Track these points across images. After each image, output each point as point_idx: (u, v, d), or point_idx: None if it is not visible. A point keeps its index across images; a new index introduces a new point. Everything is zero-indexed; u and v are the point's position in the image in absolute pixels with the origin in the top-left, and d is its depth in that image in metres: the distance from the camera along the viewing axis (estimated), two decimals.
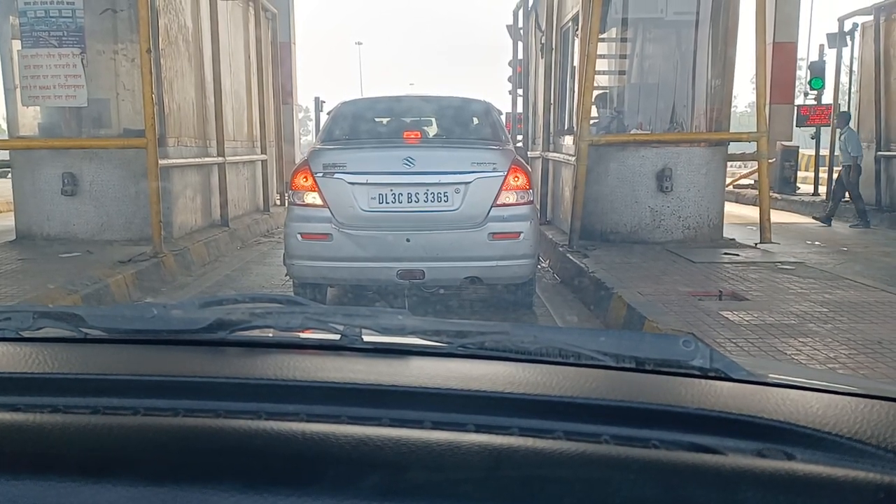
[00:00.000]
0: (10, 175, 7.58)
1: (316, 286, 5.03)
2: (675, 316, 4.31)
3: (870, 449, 0.68)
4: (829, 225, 10.46)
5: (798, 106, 14.36)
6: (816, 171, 14.24)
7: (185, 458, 0.64)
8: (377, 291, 5.25)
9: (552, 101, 9.14)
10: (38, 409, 0.74)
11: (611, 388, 0.84)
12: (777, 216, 9.05)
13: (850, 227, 10.24)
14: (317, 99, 16.32)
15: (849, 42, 12.15)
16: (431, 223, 4.63)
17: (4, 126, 8.44)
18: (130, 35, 7.51)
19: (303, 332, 1.04)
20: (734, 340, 3.80)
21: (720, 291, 4.96)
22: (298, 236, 4.73)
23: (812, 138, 14.06)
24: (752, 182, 15.13)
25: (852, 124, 11.04)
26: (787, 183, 14.28)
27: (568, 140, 8.29)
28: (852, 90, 13.24)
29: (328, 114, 5.84)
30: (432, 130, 5.87)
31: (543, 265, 6.88)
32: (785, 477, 0.60)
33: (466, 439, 0.66)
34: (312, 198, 4.67)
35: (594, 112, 8.07)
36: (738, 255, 6.61)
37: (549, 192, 9.16)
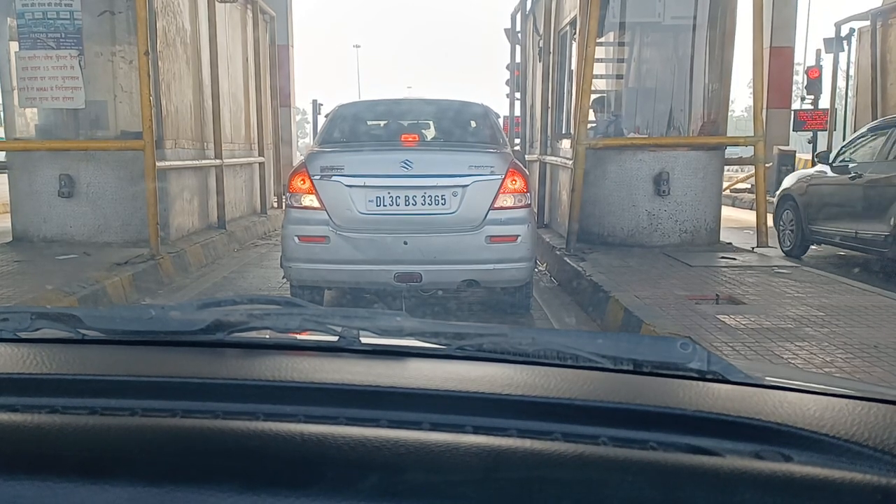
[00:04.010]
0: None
1: (313, 288, 5.02)
2: (672, 319, 4.32)
3: (867, 451, 0.69)
4: None
5: (795, 110, 14.40)
6: None
7: (183, 459, 0.64)
8: (375, 294, 5.25)
9: (550, 105, 9.15)
10: (35, 410, 0.74)
11: (608, 390, 0.84)
12: None
13: None
14: (314, 101, 16.32)
15: (846, 47, 12.19)
16: (429, 226, 4.63)
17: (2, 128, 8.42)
18: (128, 37, 7.51)
19: (301, 333, 1.04)
20: (731, 344, 3.80)
21: (717, 295, 4.97)
22: (296, 239, 4.73)
23: (809, 143, 14.10)
24: (749, 186, 15.17)
25: (849, 127, 11.10)
26: None
27: (565, 143, 8.30)
28: (849, 95, 13.28)
29: (326, 116, 5.84)
30: (430, 133, 5.87)
31: (541, 268, 6.88)
32: (782, 479, 0.60)
33: (464, 441, 0.66)
34: (310, 200, 4.67)
35: (592, 116, 8.08)
36: (734, 258, 6.62)
37: (547, 195, 9.17)
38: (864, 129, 7.90)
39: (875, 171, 6.88)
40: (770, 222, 7.70)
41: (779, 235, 8.22)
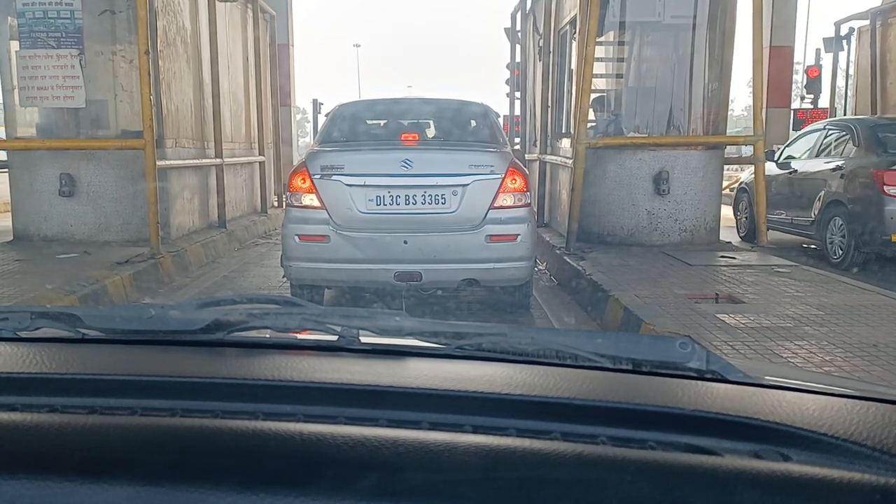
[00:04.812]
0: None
1: (313, 288, 5.02)
2: (671, 318, 4.32)
3: (865, 450, 0.69)
4: None
5: (795, 109, 14.38)
6: None
7: (183, 458, 0.64)
8: (375, 293, 5.25)
9: (550, 104, 9.15)
10: (35, 409, 0.74)
11: (608, 390, 0.84)
12: None
13: None
14: (315, 101, 16.33)
15: (845, 46, 12.18)
16: (429, 225, 4.63)
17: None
18: (129, 36, 7.50)
19: (300, 332, 1.04)
20: (730, 343, 3.80)
21: (717, 294, 4.97)
22: (296, 238, 4.73)
23: None
24: None
25: None
26: None
27: (565, 143, 8.30)
28: (849, 94, 13.27)
29: (326, 116, 5.84)
30: (430, 133, 5.88)
31: (541, 267, 6.88)
32: (781, 478, 0.60)
33: (464, 440, 0.66)
34: (310, 199, 4.67)
35: (591, 115, 8.08)
36: (734, 258, 6.62)
37: (547, 194, 9.17)
38: (803, 131, 9.24)
39: (805, 167, 8.22)
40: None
41: (736, 223, 9.59)
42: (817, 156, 8.12)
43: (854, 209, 7.11)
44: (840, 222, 7.29)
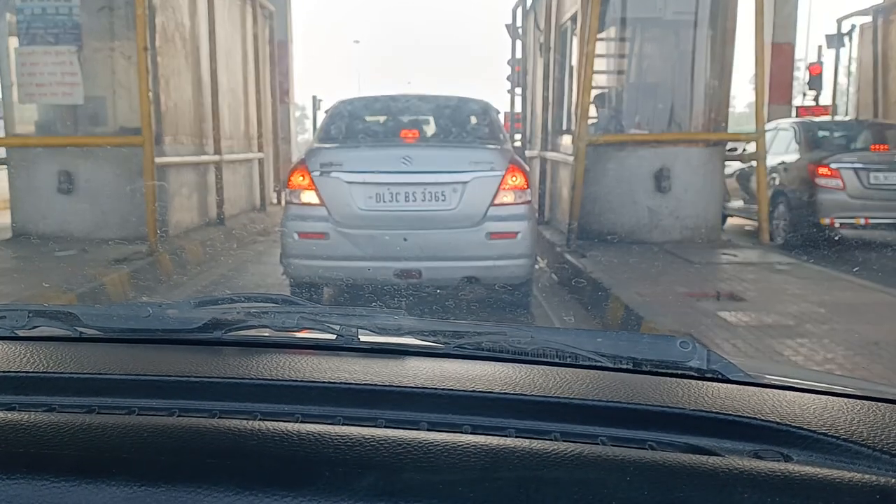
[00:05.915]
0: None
1: (313, 285, 5.02)
2: (672, 317, 4.32)
3: (866, 450, 0.68)
4: None
5: (796, 107, 14.36)
6: None
7: (180, 457, 0.64)
8: (374, 291, 5.24)
9: (550, 101, 9.14)
10: (33, 408, 0.74)
11: (608, 389, 0.84)
12: None
13: None
14: (314, 97, 16.34)
15: (847, 43, 12.17)
16: (429, 222, 4.63)
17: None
18: (127, 33, 7.48)
19: (299, 331, 1.03)
20: (731, 341, 3.80)
21: (718, 292, 4.96)
22: (295, 235, 4.72)
23: None
24: None
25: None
26: None
27: (566, 140, 8.29)
28: (850, 91, 13.25)
29: (325, 112, 5.83)
30: (430, 130, 5.86)
31: (541, 265, 6.87)
32: (781, 478, 0.59)
33: (462, 440, 0.66)
34: (309, 197, 4.66)
35: (592, 112, 8.06)
36: (735, 255, 6.62)
37: (547, 191, 9.16)
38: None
39: None
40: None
41: None
42: (769, 152, 9.02)
43: (794, 198, 8.36)
44: (783, 209, 8.50)
